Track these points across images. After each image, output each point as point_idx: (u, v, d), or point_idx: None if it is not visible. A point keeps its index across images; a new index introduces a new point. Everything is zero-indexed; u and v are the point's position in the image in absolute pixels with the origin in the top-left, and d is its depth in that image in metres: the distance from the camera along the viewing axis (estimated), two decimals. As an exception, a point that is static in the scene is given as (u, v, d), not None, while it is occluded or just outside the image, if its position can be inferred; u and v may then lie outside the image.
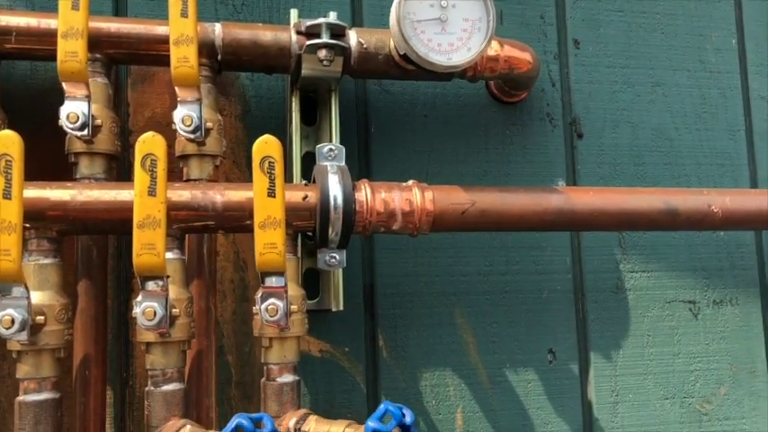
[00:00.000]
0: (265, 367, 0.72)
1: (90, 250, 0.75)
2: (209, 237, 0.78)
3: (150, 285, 0.65)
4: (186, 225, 0.71)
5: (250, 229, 0.68)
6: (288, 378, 0.72)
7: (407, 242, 0.92)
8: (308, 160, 0.85)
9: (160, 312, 0.65)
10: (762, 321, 1.04)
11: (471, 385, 0.94)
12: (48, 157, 0.75)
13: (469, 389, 0.94)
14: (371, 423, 0.63)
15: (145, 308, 0.64)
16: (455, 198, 0.76)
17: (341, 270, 0.87)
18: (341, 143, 0.82)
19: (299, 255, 0.81)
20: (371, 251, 0.92)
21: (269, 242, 0.66)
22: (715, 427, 1.01)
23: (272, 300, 0.67)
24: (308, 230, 0.74)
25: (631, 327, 0.99)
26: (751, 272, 1.04)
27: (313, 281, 0.87)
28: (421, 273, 0.93)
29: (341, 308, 0.86)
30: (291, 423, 0.69)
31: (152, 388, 0.69)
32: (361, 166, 0.92)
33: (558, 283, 0.98)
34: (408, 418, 0.66)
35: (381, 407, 0.65)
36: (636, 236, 1.01)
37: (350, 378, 0.90)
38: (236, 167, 0.88)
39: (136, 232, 0.63)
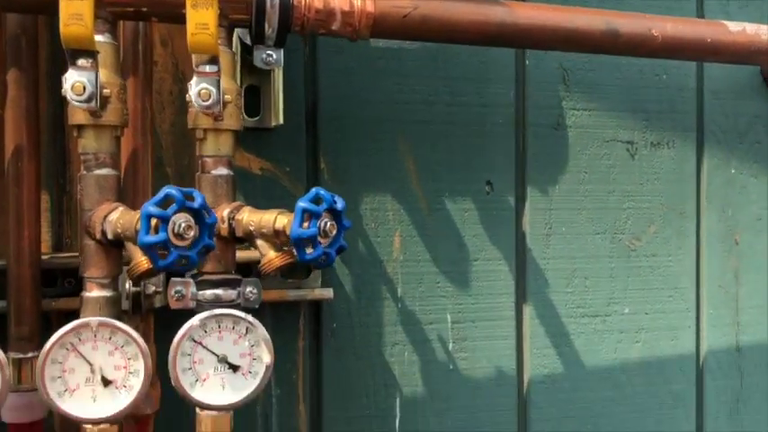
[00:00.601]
0: (200, 160, 0.72)
1: (19, 39, 0.73)
2: (144, 33, 0.77)
3: (80, 61, 0.64)
4: (119, 9, 0.69)
5: (185, 20, 0.66)
6: (223, 171, 0.72)
7: (352, 64, 0.92)
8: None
9: (90, 88, 0.64)
10: (695, 165, 1.07)
11: (410, 211, 0.96)
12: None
13: (408, 214, 0.95)
14: (302, 203, 0.64)
15: (74, 83, 0.63)
16: (397, 1, 0.75)
17: (281, 85, 0.86)
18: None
19: (236, 52, 0.79)
20: (314, 69, 0.91)
21: (201, 22, 0.64)
22: (642, 262, 1.05)
23: (204, 84, 0.67)
24: (243, 23, 0.72)
25: (569, 163, 1.02)
26: (690, 116, 1.07)
27: (254, 100, 0.87)
28: (365, 97, 0.93)
29: (281, 122, 0.86)
30: (225, 213, 0.70)
31: (84, 172, 0.68)
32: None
33: (501, 116, 0.99)
34: (339, 205, 0.67)
35: (313, 190, 0.66)
36: (580, 73, 1.01)
37: (291, 197, 0.91)
38: (176, -28, 0.85)
39: (63, 2, 0.61)
